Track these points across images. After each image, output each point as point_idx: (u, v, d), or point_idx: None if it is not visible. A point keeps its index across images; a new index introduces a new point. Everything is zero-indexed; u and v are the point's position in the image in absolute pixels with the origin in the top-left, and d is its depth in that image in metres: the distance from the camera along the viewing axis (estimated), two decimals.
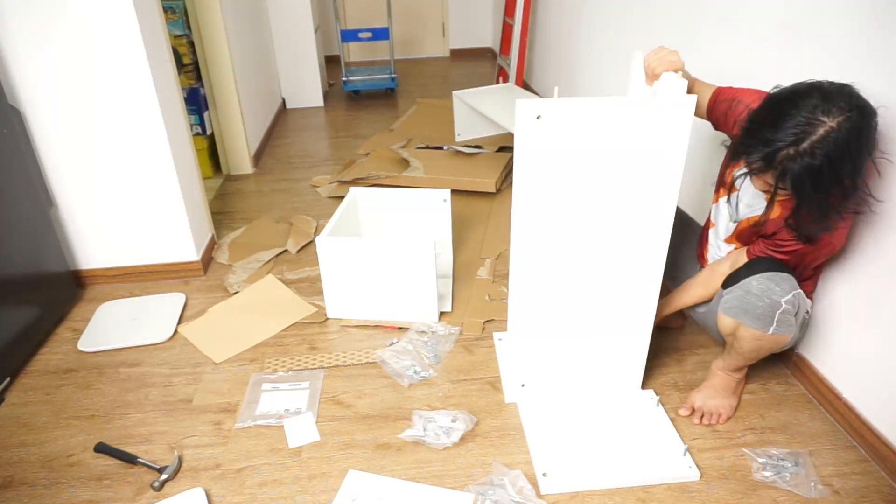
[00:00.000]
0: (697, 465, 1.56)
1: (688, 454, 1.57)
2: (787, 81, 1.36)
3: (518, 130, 1.36)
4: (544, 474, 1.52)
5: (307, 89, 4.79)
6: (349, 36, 4.91)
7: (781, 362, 1.89)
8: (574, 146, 1.38)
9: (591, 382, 1.76)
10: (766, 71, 1.86)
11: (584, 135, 1.37)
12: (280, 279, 2.40)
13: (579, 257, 1.53)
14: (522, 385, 1.74)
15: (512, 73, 4.39)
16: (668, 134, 1.36)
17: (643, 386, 1.80)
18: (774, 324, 1.48)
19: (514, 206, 1.47)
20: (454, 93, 3.66)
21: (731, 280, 1.55)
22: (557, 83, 4.12)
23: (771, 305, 1.46)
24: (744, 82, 2.00)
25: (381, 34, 4.90)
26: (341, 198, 3.08)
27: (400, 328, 2.10)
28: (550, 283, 1.57)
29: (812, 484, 1.49)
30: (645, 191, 1.44)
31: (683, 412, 1.72)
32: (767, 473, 1.52)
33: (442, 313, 2.17)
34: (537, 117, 1.33)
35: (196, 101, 3.24)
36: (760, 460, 1.55)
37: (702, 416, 1.70)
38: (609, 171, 1.41)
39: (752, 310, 1.48)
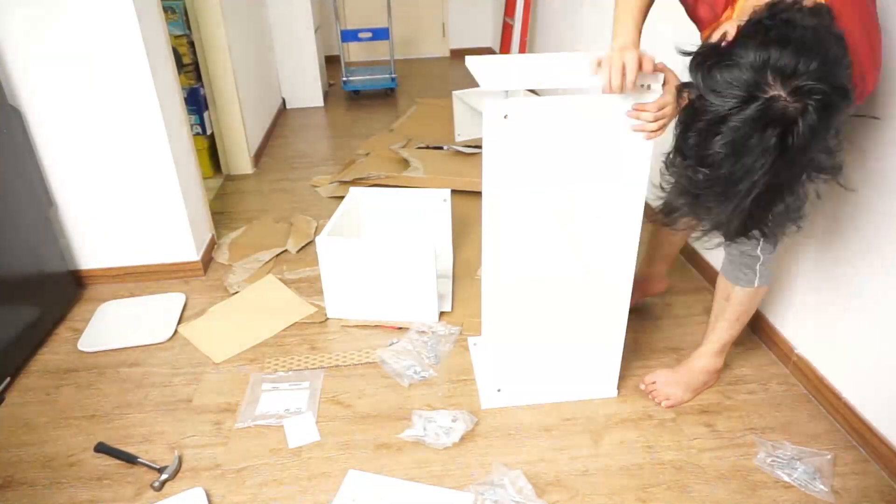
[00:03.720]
0: (697, 465, 1.56)
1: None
2: None
3: (486, 131, 1.36)
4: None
5: (307, 89, 4.79)
6: (349, 36, 4.91)
7: (781, 362, 1.89)
8: (542, 145, 1.38)
9: (566, 385, 1.76)
10: None
11: (552, 133, 1.37)
12: (280, 279, 2.40)
13: (551, 257, 1.53)
14: (498, 390, 1.74)
15: None
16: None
17: (633, 383, 1.81)
18: (758, 277, 1.56)
19: (484, 207, 1.47)
20: (454, 93, 3.66)
21: None
22: None
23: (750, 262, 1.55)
24: None
25: (381, 34, 4.90)
26: (341, 198, 3.08)
27: (400, 328, 2.10)
28: (523, 285, 1.57)
29: (819, 485, 1.49)
30: (614, 187, 1.45)
31: (643, 386, 1.79)
32: (773, 467, 1.53)
33: (442, 313, 2.17)
34: (504, 117, 1.33)
35: (196, 101, 3.24)
36: (768, 455, 1.57)
37: (651, 393, 1.76)
38: (578, 168, 1.41)
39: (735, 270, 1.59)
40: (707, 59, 0.99)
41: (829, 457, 1.56)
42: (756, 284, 1.58)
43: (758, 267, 1.55)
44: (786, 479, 1.50)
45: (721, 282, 1.68)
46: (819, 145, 0.96)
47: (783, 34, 0.94)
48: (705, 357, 1.75)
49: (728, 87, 0.95)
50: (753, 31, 0.97)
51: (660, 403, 1.74)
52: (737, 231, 1.09)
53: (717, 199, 1.04)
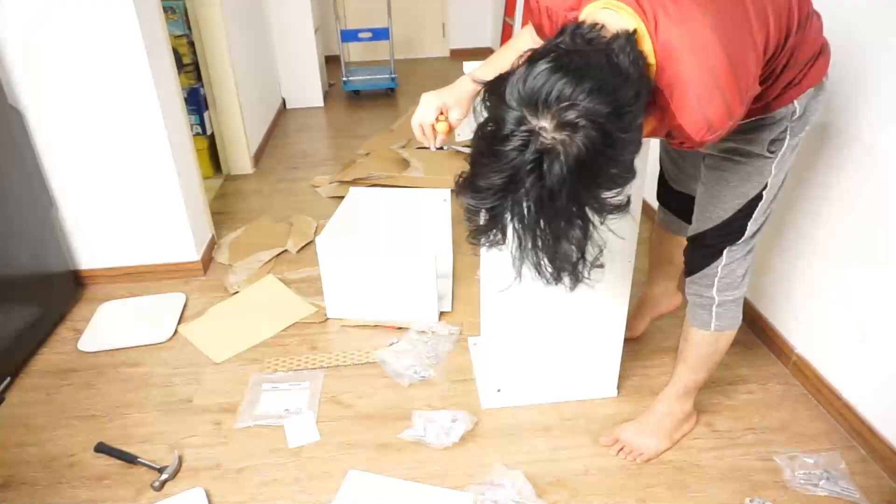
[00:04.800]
0: (697, 465, 1.56)
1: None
2: None
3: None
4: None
5: (307, 89, 4.79)
6: (349, 36, 4.91)
7: (781, 362, 1.89)
8: None
9: (565, 385, 1.76)
10: None
11: None
12: (280, 279, 2.40)
13: None
14: (498, 390, 1.74)
15: None
16: None
17: (633, 383, 1.81)
18: (714, 319, 1.42)
19: None
20: None
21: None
22: None
23: (707, 303, 1.42)
24: None
25: (381, 34, 4.90)
26: (341, 198, 3.07)
27: (400, 328, 2.10)
28: (521, 284, 1.55)
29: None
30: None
31: (604, 441, 1.62)
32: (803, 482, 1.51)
33: (442, 313, 2.16)
34: None
35: (196, 101, 3.23)
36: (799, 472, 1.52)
37: (621, 449, 1.59)
38: None
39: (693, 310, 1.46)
40: (491, 88, 0.91)
41: (836, 453, 1.57)
42: (712, 328, 1.43)
43: (714, 309, 1.41)
44: (825, 493, 1.47)
45: (685, 320, 1.52)
46: (589, 183, 0.86)
47: (556, 62, 0.84)
48: (666, 401, 1.59)
49: (497, 117, 0.86)
50: (534, 57, 0.88)
51: (634, 460, 1.57)
52: (538, 272, 0.98)
53: (492, 234, 0.95)
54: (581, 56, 0.86)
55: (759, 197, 1.29)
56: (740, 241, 1.35)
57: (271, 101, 4.41)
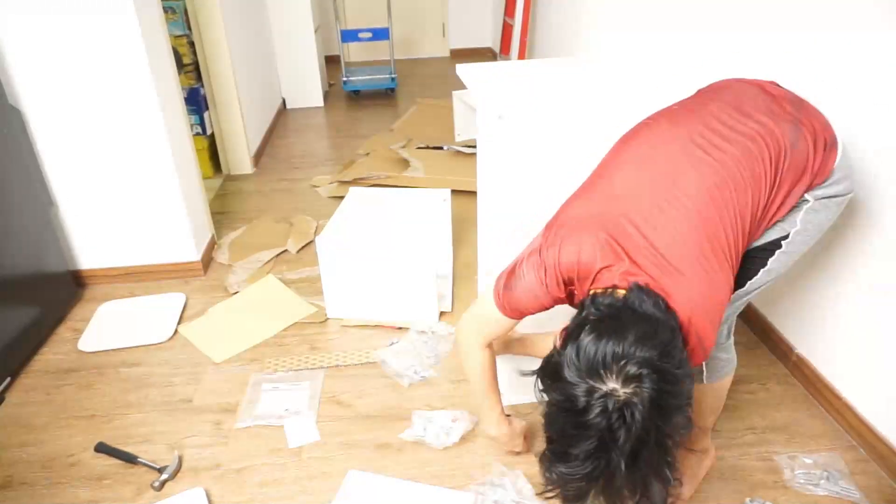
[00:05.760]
0: None
1: None
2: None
3: (481, 131, 1.36)
4: None
5: (307, 89, 4.78)
6: (349, 36, 4.91)
7: (781, 362, 1.89)
8: (538, 144, 1.37)
9: None
10: (766, 59, 1.86)
11: (548, 133, 1.37)
12: (280, 279, 2.40)
13: None
14: None
15: None
16: (628, 119, 1.36)
17: None
18: (705, 371, 1.34)
19: (479, 207, 1.47)
20: (454, 93, 3.65)
21: None
22: None
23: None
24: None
25: (381, 34, 4.90)
26: (341, 198, 3.07)
27: (400, 328, 2.10)
28: None
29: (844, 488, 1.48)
30: None
31: None
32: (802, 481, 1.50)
33: (442, 313, 2.16)
34: (499, 117, 1.33)
35: (196, 101, 3.24)
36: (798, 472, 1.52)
37: None
38: (573, 168, 1.41)
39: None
40: (546, 374, 1.02)
41: (836, 453, 1.57)
42: (704, 381, 1.36)
43: (702, 364, 1.31)
44: (824, 493, 1.47)
45: None
46: (666, 419, 0.94)
47: (596, 330, 0.95)
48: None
49: (567, 395, 0.95)
50: (573, 333, 0.99)
51: None
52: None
53: (589, 488, 0.99)
54: (612, 317, 0.97)
55: (777, 244, 1.20)
56: (739, 291, 1.24)
57: (271, 101, 4.41)
